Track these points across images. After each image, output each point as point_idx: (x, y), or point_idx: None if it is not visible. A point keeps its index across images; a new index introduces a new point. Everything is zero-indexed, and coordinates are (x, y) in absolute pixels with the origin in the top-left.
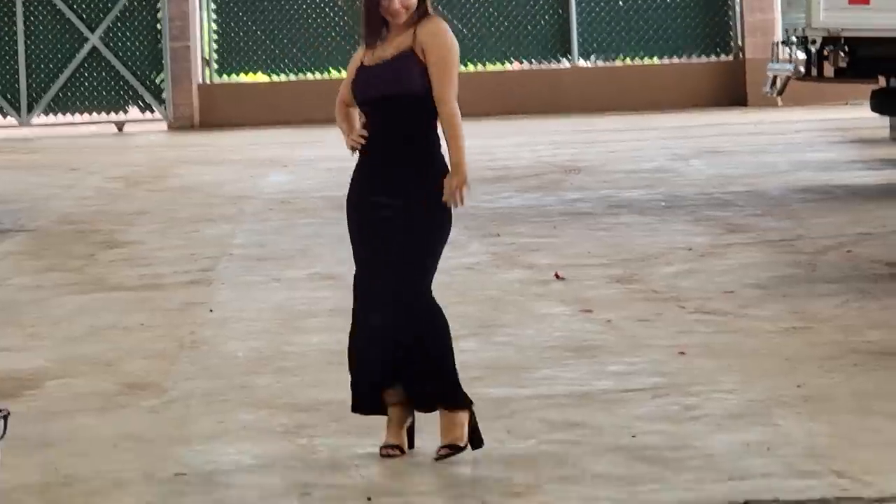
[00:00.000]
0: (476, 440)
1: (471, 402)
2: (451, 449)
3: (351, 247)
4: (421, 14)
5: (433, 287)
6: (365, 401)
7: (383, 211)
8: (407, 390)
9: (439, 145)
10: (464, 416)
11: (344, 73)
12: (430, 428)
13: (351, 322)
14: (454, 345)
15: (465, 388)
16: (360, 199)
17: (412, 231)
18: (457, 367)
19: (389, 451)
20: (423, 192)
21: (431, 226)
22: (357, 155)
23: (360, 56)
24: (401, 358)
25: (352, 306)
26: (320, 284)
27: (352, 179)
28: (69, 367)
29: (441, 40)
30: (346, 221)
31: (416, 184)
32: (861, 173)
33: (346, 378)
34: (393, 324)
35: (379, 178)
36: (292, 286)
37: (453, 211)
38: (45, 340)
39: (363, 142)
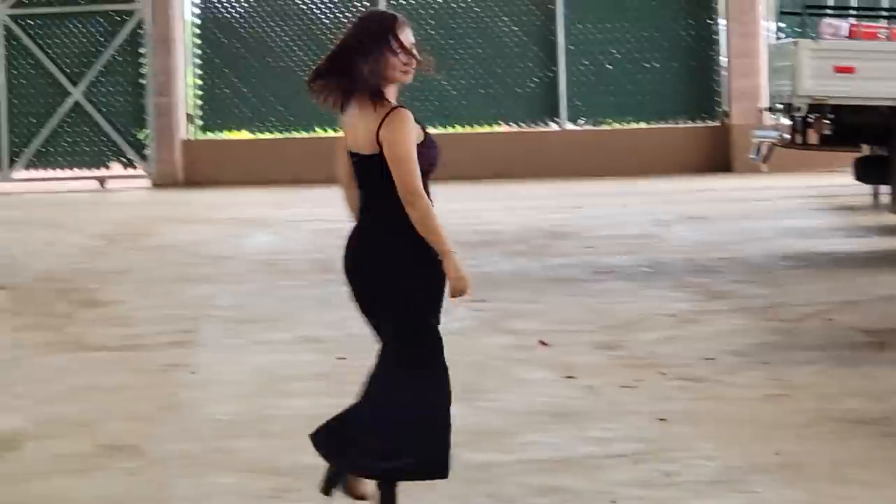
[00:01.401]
0: None
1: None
2: None
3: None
4: None
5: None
6: None
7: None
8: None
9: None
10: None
11: (326, 131)
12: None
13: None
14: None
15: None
16: None
17: (392, 293)
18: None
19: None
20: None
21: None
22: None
23: None
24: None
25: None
26: (304, 347)
27: None
28: (47, 427)
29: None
30: (330, 285)
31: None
32: (843, 241)
33: None
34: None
35: None
36: (275, 349)
37: None
38: (23, 400)
39: None
